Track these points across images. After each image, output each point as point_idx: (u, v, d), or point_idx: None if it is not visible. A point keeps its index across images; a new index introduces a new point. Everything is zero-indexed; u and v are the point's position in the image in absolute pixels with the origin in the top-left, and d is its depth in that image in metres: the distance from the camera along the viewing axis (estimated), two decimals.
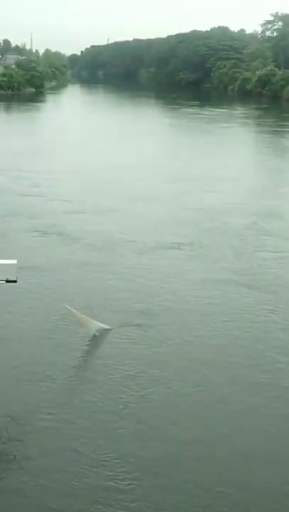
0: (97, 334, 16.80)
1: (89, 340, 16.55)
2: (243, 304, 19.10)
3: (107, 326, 17.17)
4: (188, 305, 18.99)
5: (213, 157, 49.46)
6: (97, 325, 16.97)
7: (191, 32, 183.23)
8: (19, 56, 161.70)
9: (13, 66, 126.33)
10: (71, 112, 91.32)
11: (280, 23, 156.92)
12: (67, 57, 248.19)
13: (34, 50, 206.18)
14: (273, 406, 13.69)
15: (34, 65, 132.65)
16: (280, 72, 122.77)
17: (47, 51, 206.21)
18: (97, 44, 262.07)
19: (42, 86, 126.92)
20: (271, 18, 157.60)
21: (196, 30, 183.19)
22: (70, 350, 16.03)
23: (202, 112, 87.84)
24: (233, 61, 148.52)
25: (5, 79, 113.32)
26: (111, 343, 16.47)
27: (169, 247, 24.49)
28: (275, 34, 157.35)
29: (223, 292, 19.97)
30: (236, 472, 11.54)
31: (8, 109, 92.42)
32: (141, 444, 12.29)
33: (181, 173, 40.39)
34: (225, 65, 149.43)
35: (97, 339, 16.61)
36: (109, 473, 11.36)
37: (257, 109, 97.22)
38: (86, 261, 22.71)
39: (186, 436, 12.57)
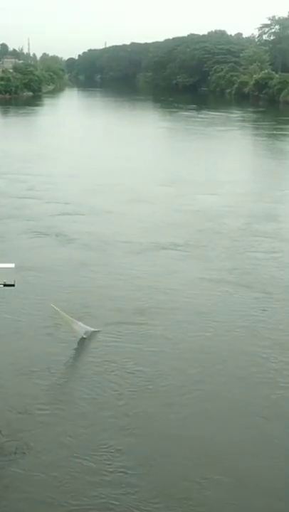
0: (84, 336, 16.61)
1: (75, 343, 16.48)
2: (237, 302, 19.35)
3: (93, 329, 16.90)
4: (182, 304, 19.20)
5: (210, 160, 49.59)
6: (82, 327, 16.68)
7: (188, 36, 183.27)
8: (17, 60, 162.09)
9: (11, 70, 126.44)
10: (69, 116, 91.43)
11: (277, 27, 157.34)
12: (64, 61, 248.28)
13: (32, 54, 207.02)
14: (265, 403, 13.90)
15: (32, 69, 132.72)
16: (277, 76, 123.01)
17: (44, 55, 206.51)
18: (94, 48, 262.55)
19: (39, 90, 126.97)
20: (268, 22, 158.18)
21: (193, 34, 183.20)
22: (53, 353, 15.96)
23: (199, 115, 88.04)
24: (230, 65, 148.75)
25: (2, 83, 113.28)
26: (95, 347, 16.36)
27: (164, 248, 24.74)
28: (272, 38, 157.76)
29: (216, 292, 20.19)
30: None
31: (5, 112, 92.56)
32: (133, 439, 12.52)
33: (177, 176, 40.57)
34: (222, 69, 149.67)
35: (83, 342, 16.50)
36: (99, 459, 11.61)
37: (254, 112, 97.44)
38: (81, 261, 22.94)
39: (170, 426, 12.80)
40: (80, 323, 16.70)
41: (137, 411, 13.47)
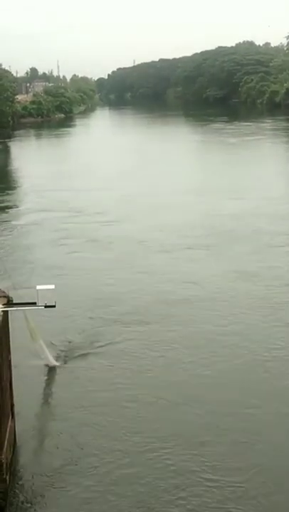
0: (46, 363, 15.23)
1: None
2: (258, 292, 20.67)
3: (54, 362, 15.28)
4: (207, 294, 20.53)
5: (241, 169, 50.26)
6: (42, 347, 14.83)
7: (216, 48, 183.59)
8: (47, 83, 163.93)
9: (42, 93, 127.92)
10: (101, 135, 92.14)
11: None
12: (94, 81, 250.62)
13: (61, 77, 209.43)
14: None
15: (62, 90, 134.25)
16: None
17: (74, 76, 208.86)
18: (123, 66, 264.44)
19: (71, 111, 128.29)
20: None
21: (221, 47, 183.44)
22: None
23: (230, 126, 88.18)
24: (260, 75, 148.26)
25: (34, 106, 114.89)
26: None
27: (190, 247, 26.38)
28: None
29: (236, 286, 21.38)
30: None
31: (39, 135, 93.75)
32: None
33: (207, 185, 41.58)
34: (252, 79, 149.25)
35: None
36: None
37: (286, 120, 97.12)
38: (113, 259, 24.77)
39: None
40: (42, 344, 14.65)
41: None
